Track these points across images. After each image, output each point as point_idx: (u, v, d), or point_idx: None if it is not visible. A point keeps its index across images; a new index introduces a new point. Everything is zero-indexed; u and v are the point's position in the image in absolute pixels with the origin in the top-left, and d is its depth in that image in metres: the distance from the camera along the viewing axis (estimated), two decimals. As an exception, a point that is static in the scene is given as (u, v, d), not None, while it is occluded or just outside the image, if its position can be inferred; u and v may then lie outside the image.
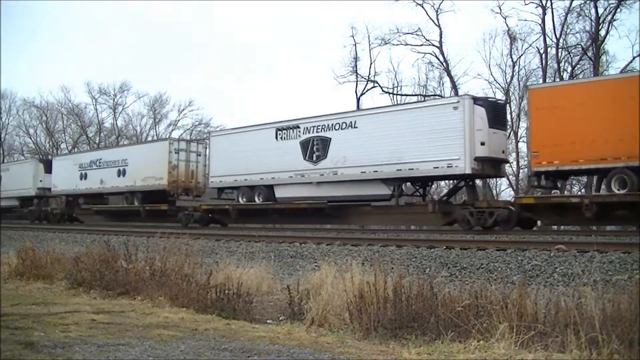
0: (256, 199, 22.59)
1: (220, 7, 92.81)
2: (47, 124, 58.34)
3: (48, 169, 34.71)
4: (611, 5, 29.65)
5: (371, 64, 39.06)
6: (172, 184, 25.91)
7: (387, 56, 76.30)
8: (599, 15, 30.01)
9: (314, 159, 20.49)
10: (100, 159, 30.46)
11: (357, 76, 38.42)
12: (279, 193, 21.80)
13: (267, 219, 24.05)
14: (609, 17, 29.91)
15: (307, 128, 20.87)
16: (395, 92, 39.78)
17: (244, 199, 23.05)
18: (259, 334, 5.80)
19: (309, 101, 77.98)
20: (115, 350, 4.82)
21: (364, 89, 38.65)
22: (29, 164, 37.56)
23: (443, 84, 39.09)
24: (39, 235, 19.83)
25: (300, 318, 6.61)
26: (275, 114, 62.23)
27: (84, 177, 31.19)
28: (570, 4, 30.80)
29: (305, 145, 20.82)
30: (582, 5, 30.78)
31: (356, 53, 38.51)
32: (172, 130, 56.07)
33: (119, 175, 28.65)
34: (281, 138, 21.81)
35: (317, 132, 20.57)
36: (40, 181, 34.88)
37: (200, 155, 26.90)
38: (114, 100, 57.49)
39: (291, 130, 21.50)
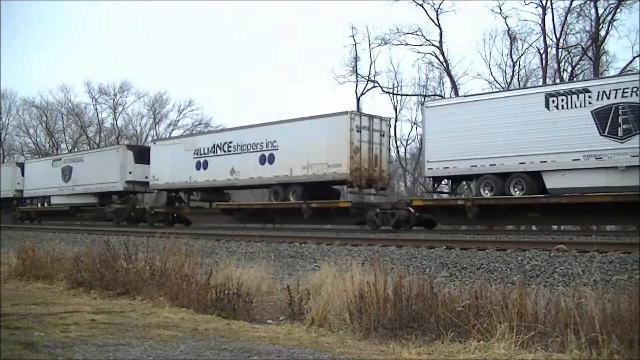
0: (511, 190, 16.78)
1: (220, 6, 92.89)
2: (47, 124, 58.32)
3: (141, 157, 29.22)
4: (611, 5, 29.66)
5: (371, 64, 39.10)
6: (355, 172, 19.50)
7: (387, 56, 76.60)
8: (599, 15, 30.02)
9: (620, 133, 14.97)
10: (230, 143, 23.58)
11: (357, 76, 38.48)
12: (553, 183, 16.11)
13: (527, 219, 18.86)
14: (609, 17, 29.91)
15: (605, 92, 15.23)
16: (395, 92, 39.82)
17: (488, 192, 17.22)
18: (259, 334, 5.80)
19: (309, 101, 78.05)
20: (115, 350, 4.82)
21: (364, 89, 38.70)
22: (113, 152, 30.97)
23: (443, 84, 39.14)
24: (39, 235, 19.83)
25: (300, 318, 6.61)
26: (275, 114, 62.53)
27: (202, 165, 24.66)
28: (570, 4, 30.81)
29: (602, 115, 15.23)
30: (582, 5, 30.79)
31: (356, 53, 38.52)
32: (172, 130, 56.15)
33: (262, 163, 22.06)
34: (557, 107, 16.05)
35: (622, 97, 14.98)
36: (130, 172, 29.22)
37: (384, 135, 20.64)
38: (114, 100, 57.52)
39: (575, 96, 15.80)
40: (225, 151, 23.88)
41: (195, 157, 25.01)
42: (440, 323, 5.41)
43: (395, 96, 39.58)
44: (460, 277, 9.36)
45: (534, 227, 23.12)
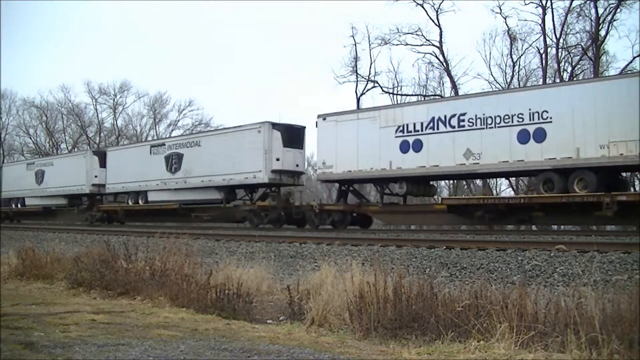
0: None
1: (221, 6, 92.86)
2: (47, 124, 58.37)
3: (291, 139, 22.51)
4: (611, 5, 29.69)
5: (371, 64, 39.00)
6: None
7: (387, 56, 76.62)
8: (599, 15, 30.04)
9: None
10: (463, 115, 17.89)
11: (357, 76, 38.42)
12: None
13: None
14: (609, 17, 29.93)
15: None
16: (395, 92, 39.76)
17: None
18: (259, 334, 5.80)
19: (309, 101, 78.01)
20: (115, 350, 4.81)
21: (364, 89, 38.61)
22: (252, 132, 22.80)
23: (443, 84, 39.12)
24: (39, 235, 19.83)
25: (300, 318, 6.61)
26: (275, 114, 62.47)
27: (411, 147, 18.71)
28: (570, 4, 30.83)
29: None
30: (582, 5, 30.82)
31: (356, 53, 38.42)
32: (172, 130, 56.14)
33: (523, 141, 16.58)
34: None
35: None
36: (277, 159, 22.12)
37: None
38: (114, 100, 57.58)
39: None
40: (453, 126, 17.99)
41: (399, 136, 18.88)
42: (440, 323, 5.41)
43: (395, 96, 39.53)
44: (460, 277, 9.36)
45: (533, 227, 23.14)
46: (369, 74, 38.40)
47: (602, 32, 30.37)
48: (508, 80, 35.77)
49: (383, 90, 39.31)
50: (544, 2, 31.62)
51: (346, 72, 39.17)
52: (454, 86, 35.82)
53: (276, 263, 10.82)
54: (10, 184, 37.89)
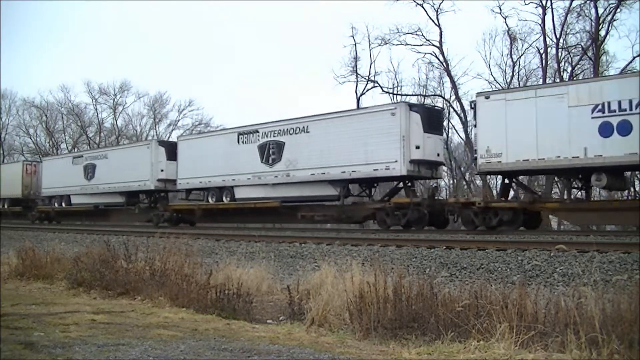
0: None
1: (221, 6, 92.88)
2: (47, 124, 58.34)
3: (430, 124, 18.96)
4: (611, 5, 29.64)
5: (371, 64, 38.89)
6: None
7: (387, 56, 76.73)
8: (599, 15, 30.01)
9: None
10: None
11: (357, 76, 38.35)
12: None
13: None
14: (609, 17, 29.90)
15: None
16: (395, 92, 39.73)
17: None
18: (259, 334, 5.80)
19: (309, 101, 78.00)
20: (115, 350, 4.81)
21: (364, 89, 38.51)
22: (385, 113, 19.04)
23: (443, 84, 39.06)
24: (39, 235, 19.83)
25: (300, 318, 6.61)
26: (275, 114, 62.36)
27: (618, 129, 15.01)
28: (570, 4, 30.79)
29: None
30: (582, 5, 30.78)
31: (356, 53, 38.30)
32: (172, 130, 56.13)
33: None
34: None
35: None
36: (417, 147, 18.42)
37: None
38: (114, 100, 57.54)
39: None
40: None
41: (597, 117, 15.16)
42: (440, 323, 5.41)
43: (395, 96, 39.50)
44: (460, 277, 9.36)
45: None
46: (369, 74, 38.35)
47: (602, 32, 30.38)
48: (508, 80, 35.79)
49: (383, 90, 39.27)
50: (544, 2, 31.62)
51: (346, 72, 39.09)
52: (454, 86, 35.83)
53: (276, 263, 10.82)
54: (52, 180, 34.25)
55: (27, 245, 11.80)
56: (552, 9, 31.61)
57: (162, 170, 27.11)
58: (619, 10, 29.51)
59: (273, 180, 21.89)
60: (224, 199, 24.07)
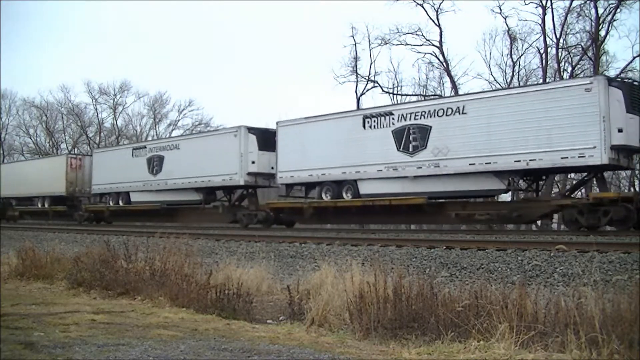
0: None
1: (221, 6, 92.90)
2: (47, 124, 58.36)
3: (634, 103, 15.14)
4: (611, 5, 29.64)
5: (371, 64, 38.84)
6: None
7: (387, 56, 76.63)
8: (599, 15, 30.01)
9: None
10: None
11: (357, 76, 38.31)
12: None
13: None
14: (609, 17, 29.90)
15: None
16: (395, 92, 39.74)
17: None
18: (259, 334, 5.80)
19: (309, 101, 78.01)
20: (115, 350, 4.82)
21: (364, 89, 38.47)
22: (575, 90, 15.40)
23: (443, 84, 39.05)
24: (39, 235, 19.83)
25: (300, 318, 6.61)
26: (275, 114, 62.48)
27: None
28: (570, 4, 30.79)
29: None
30: (582, 5, 30.77)
31: (356, 53, 38.24)
32: (172, 130, 56.12)
33: None
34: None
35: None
36: (621, 131, 14.82)
37: None
38: (114, 100, 57.51)
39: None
40: None
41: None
42: (440, 323, 5.41)
43: (395, 96, 39.49)
44: (460, 277, 9.36)
45: (533, 227, 23.18)
46: (369, 74, 38.29)
47: (602, 32, 30.39)
48: (508, 80, 35.80)
49: (383, 90, 39.26)
50: (544, 2, 31.61)
51: (346, 72, 39.05)
52: (454, 86, 35.80)
53: (276, 263, 10.82)
54: (105, 175, 29.92)
55: (27, 245, 11.80)
56: (552, 9, 31.63)
57: (253, 162, 22.66)
58: (619, 10, 29.53)
59: (415, 172, 18.37)
60: (345, 195, 20.38)
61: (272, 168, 22.48)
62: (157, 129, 57.67)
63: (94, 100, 57.45)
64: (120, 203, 28.92)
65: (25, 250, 11.43)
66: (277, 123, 22.45)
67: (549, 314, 5.13)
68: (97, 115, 58.02)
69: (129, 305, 7.65)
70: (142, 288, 8.22)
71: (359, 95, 38.45)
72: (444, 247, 11.23)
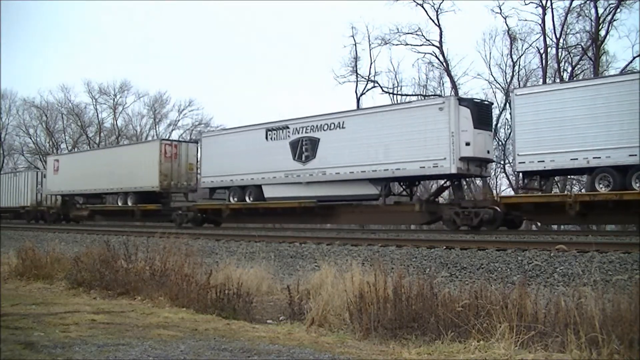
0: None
1: (220, 6, 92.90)
2: (47, 124, 58.34)
3: None
4: (611, 5, 29.65)
5: (371, 64, 38.81)
6: None
7: (387, 56, 76.57)
8: (599, 15, 30.02)
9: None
10: None
11: (357, 76, 38.31)
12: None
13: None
14: (609, 17, 29.91)
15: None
16: (395, 92, 39.74)
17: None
18: (259, 334, 5.80)
19: (309, 101, 77.99)
20: (115, 350, 4.81)
21: (364, 89, 38.47)
22: None
23: (443, 84, 39.02)
24: (39, 235, 19.83)
25: (300, 318, 6.61)
26: (275, 114, 62.41)
27: None
28: (570, 4, 30.80)
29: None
30: (582, 5, 30.78)
31: (356, 53, 38.19)
32: (172, 130, 56.08)
33: None
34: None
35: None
36: None
37: None
38: (114, 100, 57.53)
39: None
40: None
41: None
42: (440, 323, 5.42)
43: (395, 96, 39.49)
44: (460, 277, 9.36)
45: (533, 227, 23.17)
46: (369, 74, 38.27)
47: (602, 32, 30.39)
48: (508, 80, 35.79)
49: (383, 90, 39.25)
50: (544, 2, 31.61)
51: (346, 72, 38.99)
52: (454, 86, 35.79)
53: (276, 263, 10.83)
54: (220, 163, 23.83)
55: (27, 245, 11.80)
56: (552, 9, 31.64)
57: (467, 144, 17.29)
58: (619, 10, 29.54)
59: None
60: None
61: (489, 152, 18.41)
62: (157, 129, 57.71)
63: (94, 100, 57.53)
64: (248, 199, 22.85)
65: (25, 250, 11.43)
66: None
67: (549, 314, 5.13)
68: (97, 115, 58.11)
69: (129, 305, 7.65)
70: (142, 288, 8.22)
71: (359, 95, 38.46)
72: (444, 247, 11.23)
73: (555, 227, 23.45)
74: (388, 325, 5.72)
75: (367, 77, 38.26)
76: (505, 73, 36.61)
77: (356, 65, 38.35)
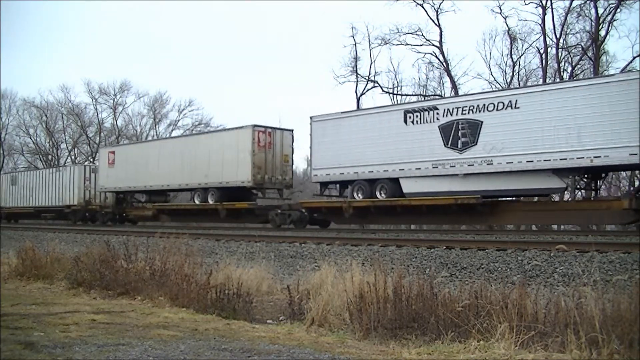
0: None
1: (220, 7, 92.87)
2: (47, 124, 58.35)
3: None
4: (611, 5, 29.67)
5: (371, 64, 38.82)
6: None
7: (387, 56, 76.66)
8: (599, 15, 30.03)
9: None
10: None
11: (357, 76, 38.33)
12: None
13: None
14: (609, 17, 29.92)
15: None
16: (395, 92, 39.74)
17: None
18: (259, 334, 5.80)
19: (309, 101, 77.96)
20: (115, 350, 4.82)
21: (364, 89, 38.48)
22: None
23: (443, 84, 39.04)
24: (39, 235, 19.82)
25: (300, 318, 6.61)
26: (276, 114, 62.48)
27: None
28: (570, 4, 30.81)
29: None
30: (582, 5, 30.80)
31: (356, 53, 38.19)
32: (172, 130, 56.07)
33: None
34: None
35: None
36: None
37: None
38: (114, 100, 57.54)
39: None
40: None
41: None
42: (440, 323, 5.41)
43: (395, 96, 39.50)
44: (460, 277, 9.36)
45: (534, 227, 23.17)
46: (369, 74, 38.28)
47: (602, 32, 30.40)
48: (508, 80, 35.79)
49: (383, 91, 39.28)
50: (544, 2, 31.63)
51: (346, 72, 39.03)
52: (454, 86, 35.82)
53: (276, 263, 10.83)
54: (339, 152, 20.37)
55: (27, 245, 11.79)
56: (552, 9, 31.65)
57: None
58: (619, 10, 29.56)
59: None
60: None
61: None
62: (157, 129, 57.69)
63: (94, 100, 57.55)
64: (380, 195, 19.57)
65: (25, 250, 11.42)
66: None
67: (549, 314, 5.13)
68: (97, 115, 58.12)
69: (129, 305, 7.65)
70: (142, 288, 8.22)
71: (359, 95, 38.46)
72: (444, 247, 11.23)
73: (555, 227, 23.46)
74: (388, 325, 5.72)
75: (367, 77, 38.29)
76: (506, 73, 36.66)
77: (356, 65, 38.38)
